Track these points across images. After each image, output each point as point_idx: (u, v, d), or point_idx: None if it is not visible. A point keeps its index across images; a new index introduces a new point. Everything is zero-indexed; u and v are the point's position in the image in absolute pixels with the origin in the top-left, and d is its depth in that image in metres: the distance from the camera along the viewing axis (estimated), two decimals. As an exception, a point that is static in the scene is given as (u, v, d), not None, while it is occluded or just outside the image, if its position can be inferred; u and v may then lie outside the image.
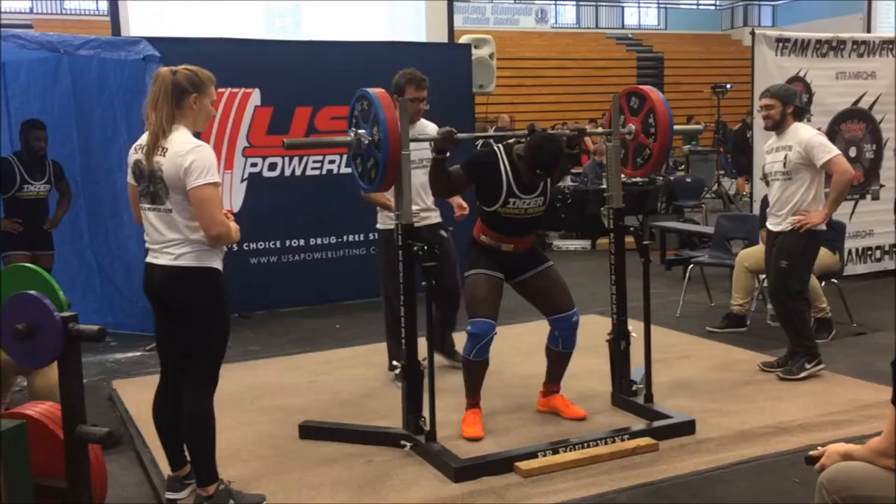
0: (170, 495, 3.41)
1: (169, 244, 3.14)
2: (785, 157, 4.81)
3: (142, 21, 7.29)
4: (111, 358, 5.71)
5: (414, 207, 4.71)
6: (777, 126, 4.88)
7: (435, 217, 4.92)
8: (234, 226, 3.19)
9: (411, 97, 4.62)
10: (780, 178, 4.87)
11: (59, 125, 6.27)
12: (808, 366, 4.68)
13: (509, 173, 3.96)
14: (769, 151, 4.98)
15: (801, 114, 5.03)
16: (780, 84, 5.29)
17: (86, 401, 2.73)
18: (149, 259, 3.23)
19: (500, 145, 4.09)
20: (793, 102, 4.88)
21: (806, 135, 4.80)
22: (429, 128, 4.75)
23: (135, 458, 3.93)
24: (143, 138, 3.17)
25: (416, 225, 4.66)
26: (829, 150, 4.75)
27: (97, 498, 3.01)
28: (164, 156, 3.08)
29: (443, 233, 4.90)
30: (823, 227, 4.85)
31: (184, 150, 3.06)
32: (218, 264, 3.20)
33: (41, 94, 6.41)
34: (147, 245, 3.23)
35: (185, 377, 3.24)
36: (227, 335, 3.27)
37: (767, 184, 5.12)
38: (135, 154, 3.21)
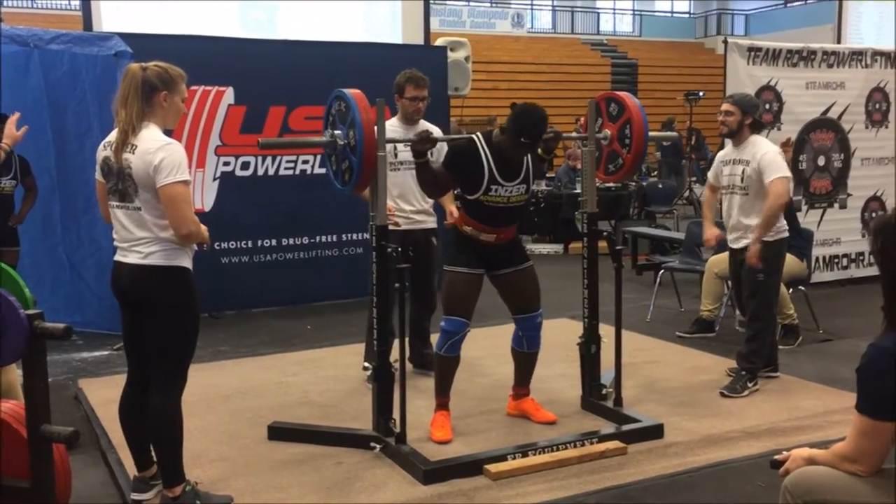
0: (135, 496, 3.37)
1: (138, 242, 3.11)
2: (743, 172, 4.75)
3: (114, 16, 7.21)
4: (78, 357, 5.64)
5: (407, 208, 4.76)
6: (731, 135, 4.82)
7: (431, 222, 4.91)
8: (202, 227, 3.16)
9: (411, 96, 4.67)
10: (738, 192, 4.79)
11: (32, 120, 6.15)
12: (749, 384, 4.71)
13: (490, 160, 3.93)
14: (726, 163, 4.90)
15: (759, 127, 4.94)
16: (745, 94, 5.24)
17: (51, 400, 2.70)
18: (117, 257, 3.19)
19: (478, 133, 4.06)
20: (752, 114, 4.80)
21: (762, 150, 4.70)
22: (430, 129, 4.75)
23: (100, 459, 3.89)
24: (113, 135, 3.14)
25: (407, 227, 4.70)
26: (776, 170, 4.60)
27: (61, 498, 2.97)
28: (134, 153, 3.05)
29: (434, 240, 4.89)
30: (786, 234, 4.79)
31: (153, 148, 3.04)
32: (187, 263, 3.18)
33: (12, 88, 6.31)
34: (116, 243, 3.20)
35: (152, 377, 3.21)
36: (197, 335, 3.24)
37: (713, 190, 5.10)
38: (104, 151, 3.18)
